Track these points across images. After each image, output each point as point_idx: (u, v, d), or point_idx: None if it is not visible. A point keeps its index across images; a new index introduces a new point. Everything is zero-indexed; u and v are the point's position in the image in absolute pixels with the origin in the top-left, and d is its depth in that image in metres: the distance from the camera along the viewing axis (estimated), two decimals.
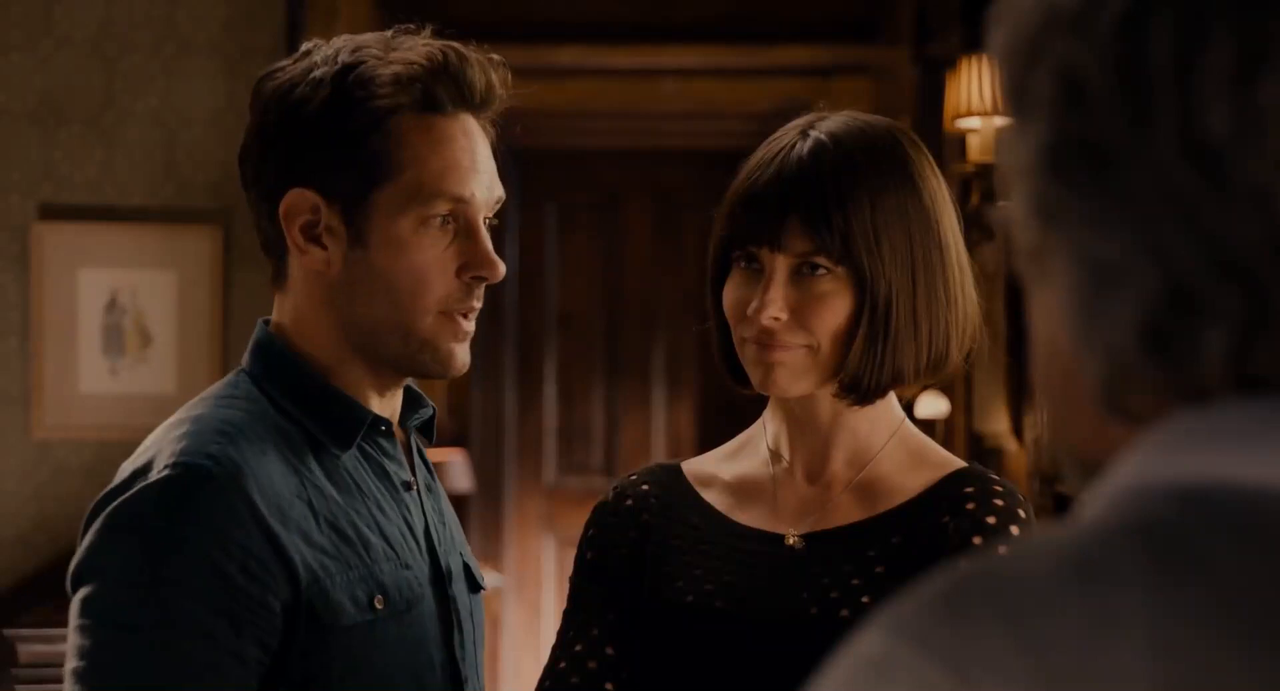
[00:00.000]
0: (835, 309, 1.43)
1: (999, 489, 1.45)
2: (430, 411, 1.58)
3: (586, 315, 7.14)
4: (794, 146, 1.44)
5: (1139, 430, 0.64)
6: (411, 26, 1.49)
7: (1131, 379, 0.63)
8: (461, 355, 1.48)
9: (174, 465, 1.36)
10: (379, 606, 1.42)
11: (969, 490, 1.45)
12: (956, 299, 1.46)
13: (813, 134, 1.45)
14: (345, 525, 1.43)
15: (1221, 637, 0.57)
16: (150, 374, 4.33)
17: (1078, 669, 0.57)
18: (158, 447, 1.40)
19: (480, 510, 7.03)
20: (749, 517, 1.50)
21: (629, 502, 1.55)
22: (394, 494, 1.50)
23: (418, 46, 1.45)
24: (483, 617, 1.61)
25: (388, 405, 1.52)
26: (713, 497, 1.53)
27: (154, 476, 1.36)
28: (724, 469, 1.55)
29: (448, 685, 1.50)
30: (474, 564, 1.61)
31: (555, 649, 1.53)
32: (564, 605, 1.57)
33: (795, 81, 6.21)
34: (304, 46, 1.48)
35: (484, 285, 1.47)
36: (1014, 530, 1.43)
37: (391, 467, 1.51)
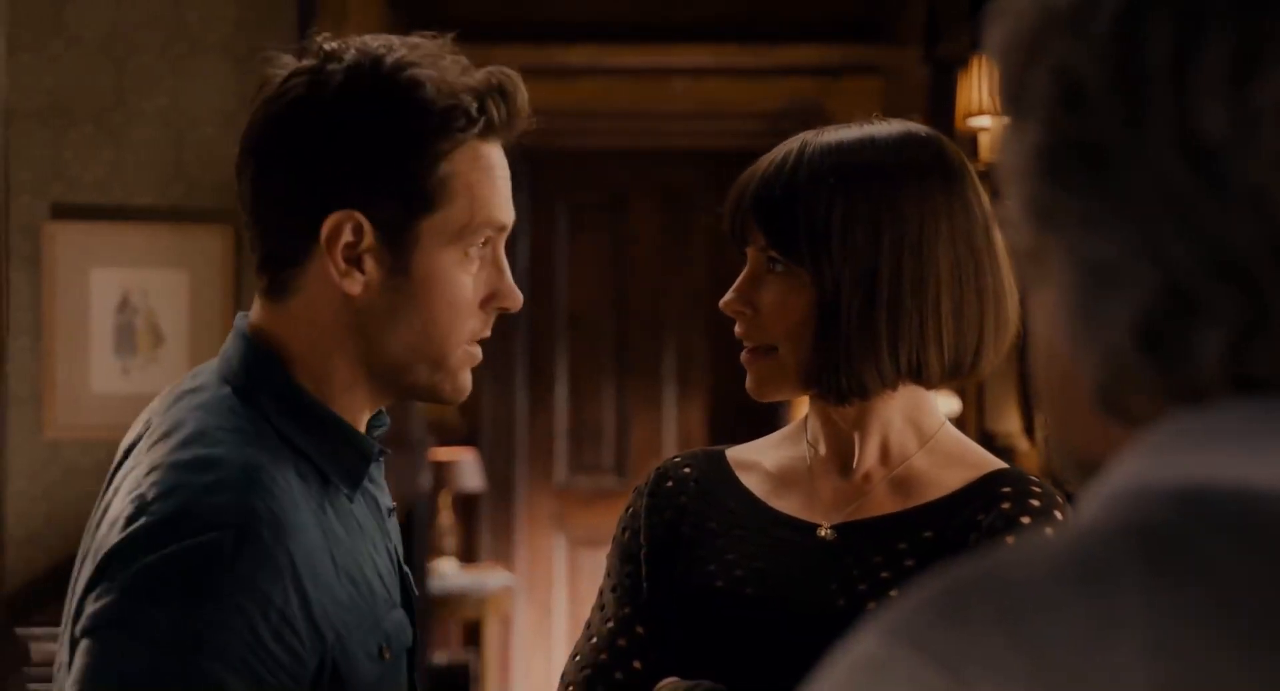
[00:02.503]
0: (789, 306, 1.45)
1: (1036, 489, 1.45)
2: (388, 421, 1.51)
3: (596, 315, 7.14)
4: (783, 150, 1.48)
5: (1137, 431, 0.64)
6: (430, 34, 1.43)
7: (1129, 380, 0.63)
8: (469, 383, 1.46)
9: (221, 523, 1.26)
10: (386, 657, 1.37)
11: (1006, 489, 1.45)
12: (946, 311, 1.44)
13: (805, 137, 1.47)
14: (355, 571, 1.36)
15: (1220, 638, 0.57)
16: (162, 373, 4.34)
17: (1076, 669, 0.57)
18: (189, 494, 1.28)
19: (491, 510, 7.03)
20: (785, 504, 1.52)
21: (669, 484, 1.57)
22: (381, 524, 1.45)
23: (470, 70, 1.38)
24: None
25: (365, 425, 1.45)
26: (752, 483, 1.54)
27: (195, 534, 1.26)
28: (767, 456, 1.57)
29: None
30: (409, 573, 1.55)
31: (588, 625, 1.56)
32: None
33: (804, 81, 6.20)
34: (325, 45, 1.40)
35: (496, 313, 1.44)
36: (1048, 531, 1.42)
37: (379, 495, 1.46)
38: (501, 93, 1.39)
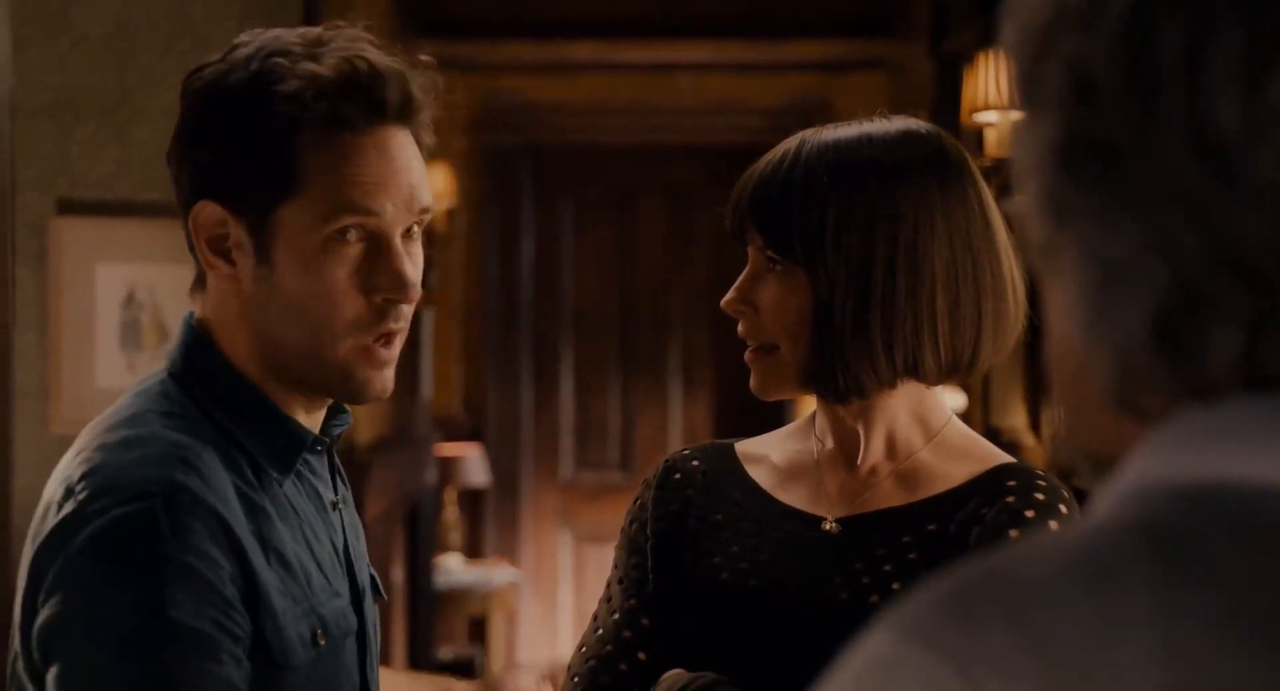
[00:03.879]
0: (787, 306, 1.45)
1: (1042, 483, 1.45)
2: (349, 421, 1.50)
3: (602, 310, 7.14)
4: (782, 149, 1.48)
5: (1149, 427, 0.64)
6: (341, 23, 1.41)
7: (1141, 377, 0.63)
8: (379, 383, 1.40)
9: (142, 493, 1.27)
10: (321, 643, 1.36)
11: (1011, 483, 1.45)
12: (941, 310, 1.43)
13: (804, 135, 1.47)
14: (290, 555, 1.36)
15: (1228, 639, 0.57)
16: None
17: (1084, 669, 0.57)
18: (111, 473, 1.30)
19: (496, 505, 7.04)
20: (791, 497, 1.52)
21: (677, 477, 1.57)
22: (323, 515, 1.44)
23: (330, 55, 1.36)
24: (378, 624, 1.55)
25: (315, 417, 1.45)
26: (759, 475, 1.55)
27: (120, 507, 1.27)
28: (776, 449, 1.57)
29: None
30: (374, 572, 1.55)
31: (595, 616, 1.56)
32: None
33: (810, 76, 6.20)
34: (236, 40, 1.42)
35: (401, 307, 1.39)
36: (1053, 525, 1.41)
37: (320, 487, 1.45)
38: (354, 84, 1.36)
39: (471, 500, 6.89)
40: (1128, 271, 0.62)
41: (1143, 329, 0.62)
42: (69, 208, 4.25)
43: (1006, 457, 1.50)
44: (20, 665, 1.34)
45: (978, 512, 1.44)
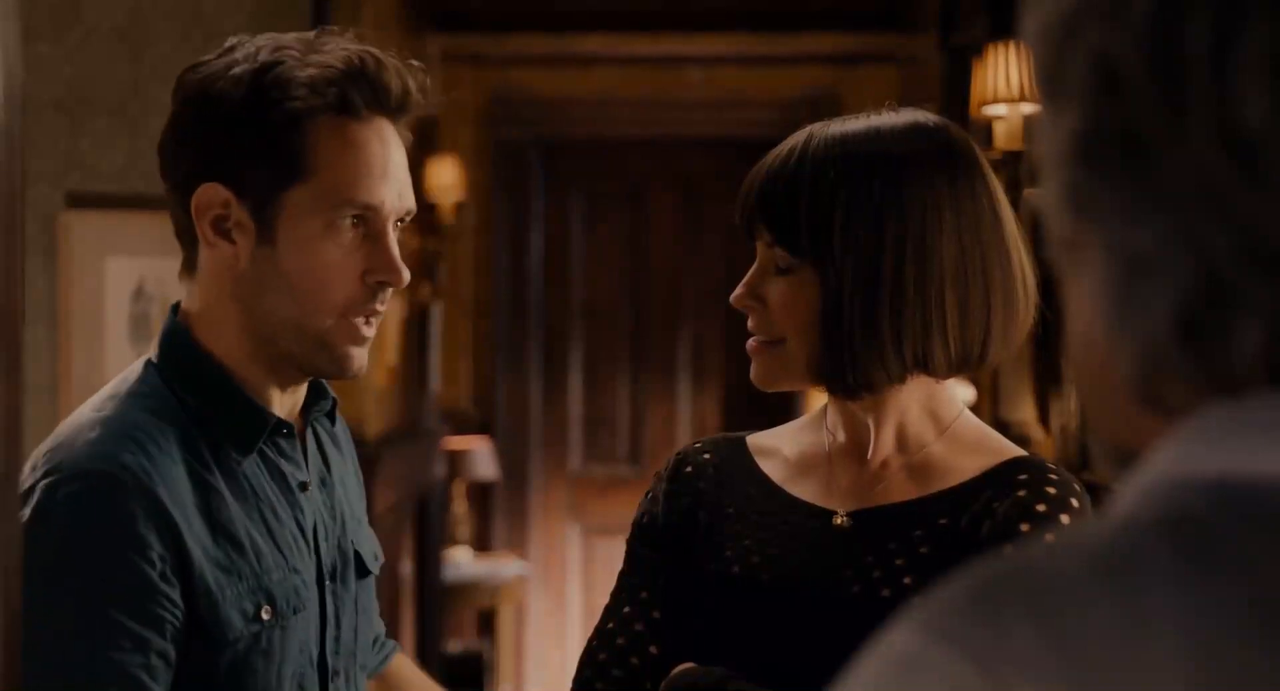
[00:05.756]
0: (796, 302, 1.45)
1: (1054, 477, 1.44)
2: (331, 402, 1.60)
3: (612, 304, 7.14)
4: (790, 143, 1.47)
5: (1173, 421, 0.63)
6: (335, 28, 1.51)
7: (1165, 370, 0.62)
8: (358, 358, 1.50)
9: (86, 472, 1.37)
10: (265, 617, 1.44)
11: (1022, 477, 1.44)
12: (950, 305, 1.43)
13: (812, 129, 1.47)
14: (240, 532, 1.45)
15: (1255, 634, 0.56)
16: None
17: (1109, 666, 0.56)
18: (68, 451, 1.40)
19: (505, 498, 7.04)
20: (802, 490, 1.52)
21: (688, 469, 1.57)
22: (289, 496, 1.52)
23: (336, 50, 1.46)
24: (370, 602, 1.62)
25: (289, 400, 1.54)
26: (770, 469, 1.55)
27: (65, 484, 1.37)
28: (787, 443, 1.57)
29: (318, 679, 1.53)
30: (366, 549, 1.62)
31: (606, 609, 1.57)
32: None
33: (820, 70, 6.20)
34: (229, 42, 1.51)
35: (388, 290, 1.49)
36: (1064, 519, 1.41)
37: (288, 469, 1.52)
38: (362, 73, 1.45)
39: (480, 493, 6.89)
40: (1152, 265, 0.61)
41: (1167, 322, 0.61)
42: (78, 201, 4.26)
43: (1018, 451, 1.49)
44: None
45: (989, 506, 1.43)
